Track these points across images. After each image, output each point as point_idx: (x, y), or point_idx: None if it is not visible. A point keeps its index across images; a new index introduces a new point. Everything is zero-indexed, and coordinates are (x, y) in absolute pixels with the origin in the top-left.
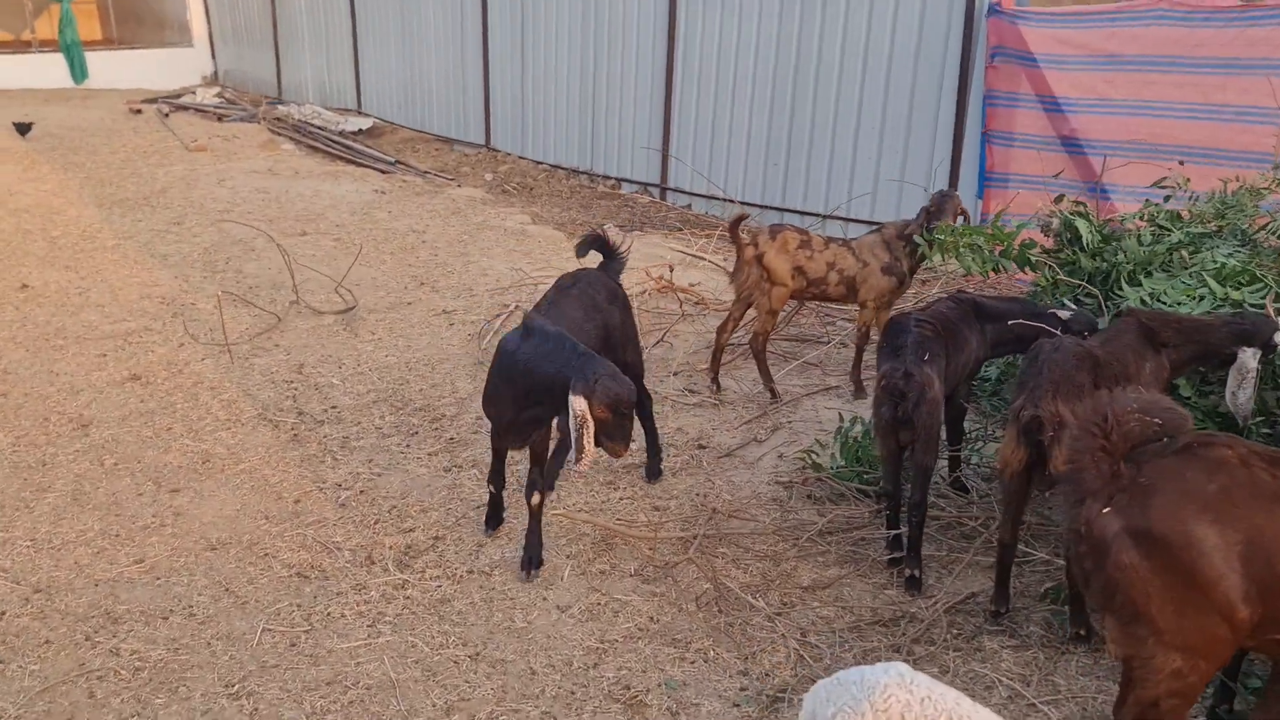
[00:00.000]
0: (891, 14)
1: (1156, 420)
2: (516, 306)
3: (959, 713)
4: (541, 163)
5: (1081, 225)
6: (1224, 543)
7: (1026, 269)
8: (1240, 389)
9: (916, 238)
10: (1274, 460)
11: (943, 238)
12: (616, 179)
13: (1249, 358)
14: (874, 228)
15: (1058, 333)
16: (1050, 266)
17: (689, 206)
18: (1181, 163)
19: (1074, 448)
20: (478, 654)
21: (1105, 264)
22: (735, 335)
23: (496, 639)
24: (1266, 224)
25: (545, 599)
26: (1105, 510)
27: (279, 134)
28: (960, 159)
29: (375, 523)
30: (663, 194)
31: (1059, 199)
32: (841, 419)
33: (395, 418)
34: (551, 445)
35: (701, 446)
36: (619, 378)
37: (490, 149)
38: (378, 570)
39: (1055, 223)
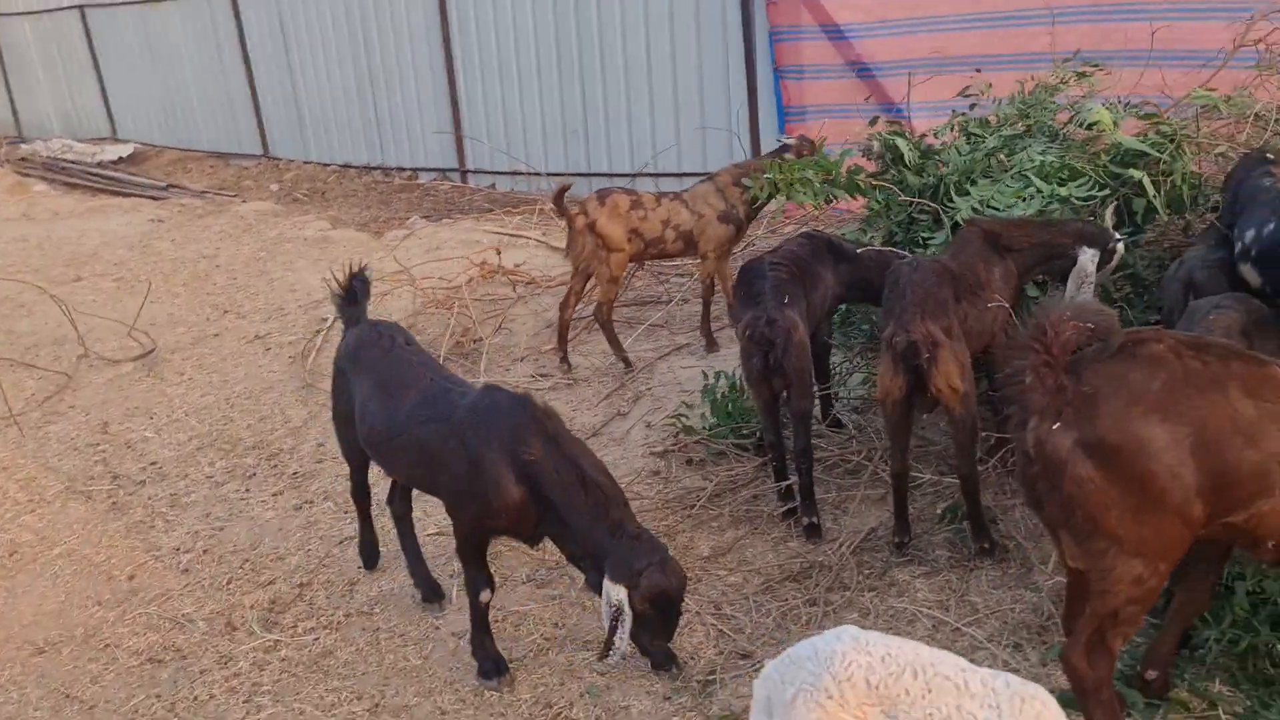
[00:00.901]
0: None
1: (1089, 325)
2: (336, 320)
3: (919, 662)
4: (329, 164)
5: (901, 144)
6: (1174, 440)
7: (856, 195)
8: (1080, 291)
9: (745, 180)
10: (1199, 347)
11: (771, 175)
12: (412, 169)
13: (1088, 260)
14: (704, 176)
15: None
16: (885, 186)
17: (493, 186)
18: (979, 70)
19: (1017, 366)
20: (377, 705)
21: (931, 178)
22: (577, 309)
23: (394, 684)
24: (1070, 119)
25: (437, 629)
26: (1055, 426)
27: (27, 175)
28: (757, 98)
29: (228, 583)
30: (463, 177)
31: (873, 121)
32: (706, 376)
33: (226, 462)
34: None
35: None
36: (670, 567)
37: (270, 158)
38: (242, 636)
39: (876, 145)
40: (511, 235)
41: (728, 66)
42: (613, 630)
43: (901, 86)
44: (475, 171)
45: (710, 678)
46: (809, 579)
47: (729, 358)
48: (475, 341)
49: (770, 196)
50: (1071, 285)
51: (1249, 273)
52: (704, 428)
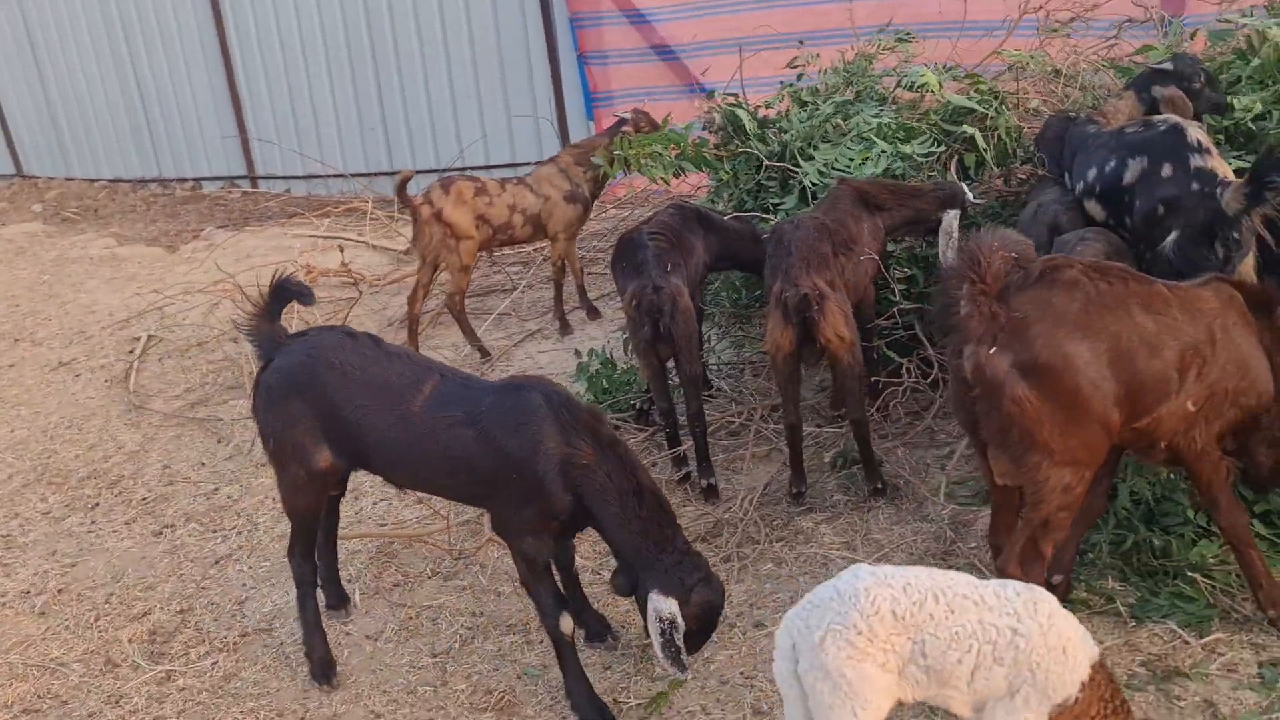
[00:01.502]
0: None
1: (1013, 254)
2: (150, 336)
3: (937, 586)
4: (97, 180)
5: (743, 115)
6: (1094, 356)
7: (703, 168)
8: (948, 248)
9: (595, 158)
10: (1103, 270)
11: (621, 152)
12: (194, 179)
13: (952, 219)
14: (548, 158)
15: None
16: (733, 156)
17: (288, 191)
18: (802, 43)
19: (952, 295)
20: (303, 719)
21: (776, 146)
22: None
23: (314, 696)
24: (898, 84)
25: (348, 633)
26: (992, 351)
27: None
28: (561, 85)
29: (95, 620)
30: (253, 184)
31: (710, 94)
32: (579, 355)
33: (61, 495)
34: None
35: None
36: (716, 582)
37: (24, 177)
38: (126, 671)
39: (717, 118)
40: (328, 238)
41: (529, 55)
42: (668, 644)
43: (704, 67)
44: (266, 177)
45: (646, 642)
46: (719, 538)
47: (584, 339)
48: None
49: (616, 173)
50: (942, 242)
51: (1094, 208)
52: None
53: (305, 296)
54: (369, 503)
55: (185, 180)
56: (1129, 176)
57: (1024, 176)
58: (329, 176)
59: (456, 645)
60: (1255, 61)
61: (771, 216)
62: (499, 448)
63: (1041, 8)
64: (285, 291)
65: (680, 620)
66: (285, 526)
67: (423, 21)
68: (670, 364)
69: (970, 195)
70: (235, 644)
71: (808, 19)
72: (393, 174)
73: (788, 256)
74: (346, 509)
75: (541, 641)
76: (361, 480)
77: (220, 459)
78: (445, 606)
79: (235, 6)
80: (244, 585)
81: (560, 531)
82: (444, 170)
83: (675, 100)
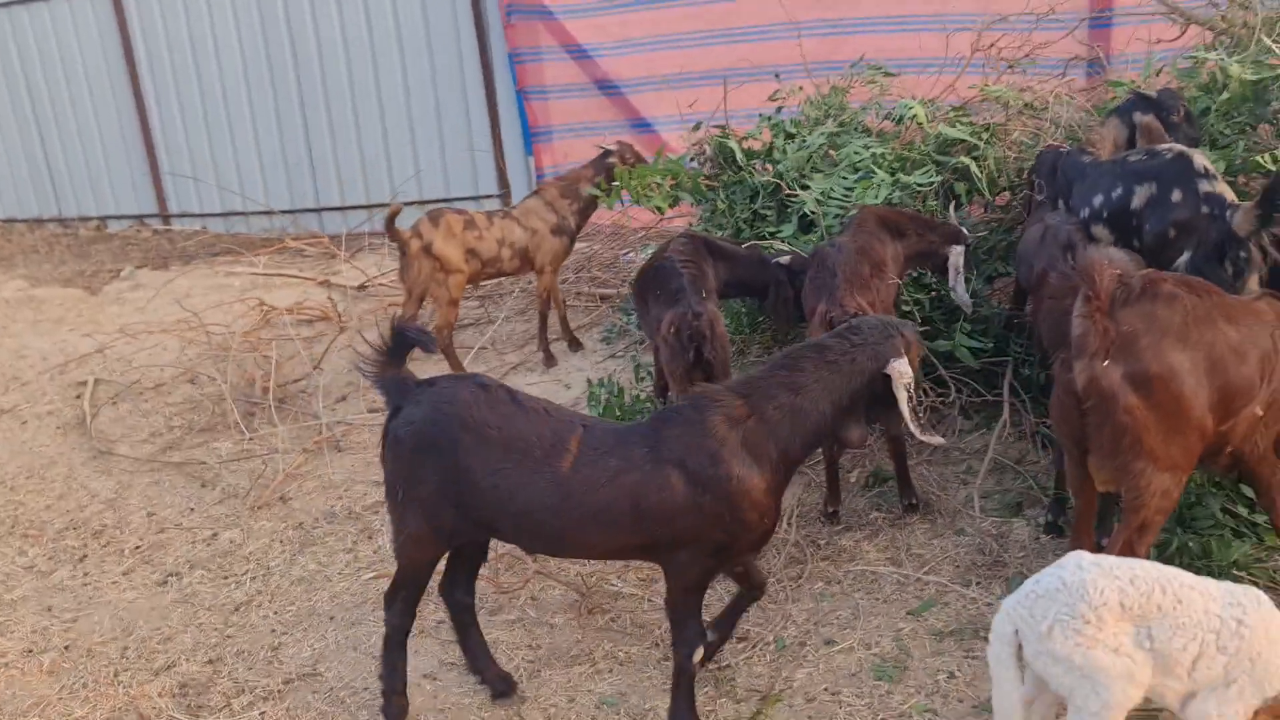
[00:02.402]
0: None
1: (1118, 270)
2: (98, 380)
3: (1162, 578)
4: None
5: (734, 146)
6: (1193, 366)
7: (699, 199)
8: (957, 283)
9: (589, 189)
10: (1192, 287)
11: (619, 184)
12: (99, 218)
13: (958, 255)
14: (532, 191)
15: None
16: (734, 185)
17: (204, 229)
18: (778, 75)
19: (1077, 313)
20: None
21: (770, 177)
22: None
23: None
24: (887, 115)
25: (408, 672)
26: (1105, 364)
27: None
28: (499, 120)
29: (115, 676)
30: (166, 221)
31: (696, 127)
32: (590, 384)
33: (42, 548)
34: None
35: None
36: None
37: None
38: None
39: (708, 149)
40: (268, 275)
41: (465, 89)
42: (910, 400)
43: (647, 102)
44: (181, 215)
45: (722, 665)
46: (763, 560)
47: (569, 369)
48: (292, 383)
49: (613, 203)
50: (951, 278)
51: (1100, 232)
52: None
53: (429, 344)
54: (385, 541)
55: (88, 219)
56: (1136, 202)
57: (1001, 204)
58: (251, 214)
59: (522, 679)
60: (1224, 96)
61: (774, 243)
62: (684, 472)
63: (993, 45)
64: (407, 337)
65: (909, 371)
66: (301, 570)
67: (353, 55)
68: None
69: (968, 233)
70: (280, 691)
71: (755, 54)
72: (319, 210)
73: (832, 278)
74: (366, 548)
75: (612, 671)
76: (372, 520)
77: (210, 503)
78: (499, 641)
79: (148, 38)
80: (273, 631)
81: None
82: (374, 206)
83: (618, 134)
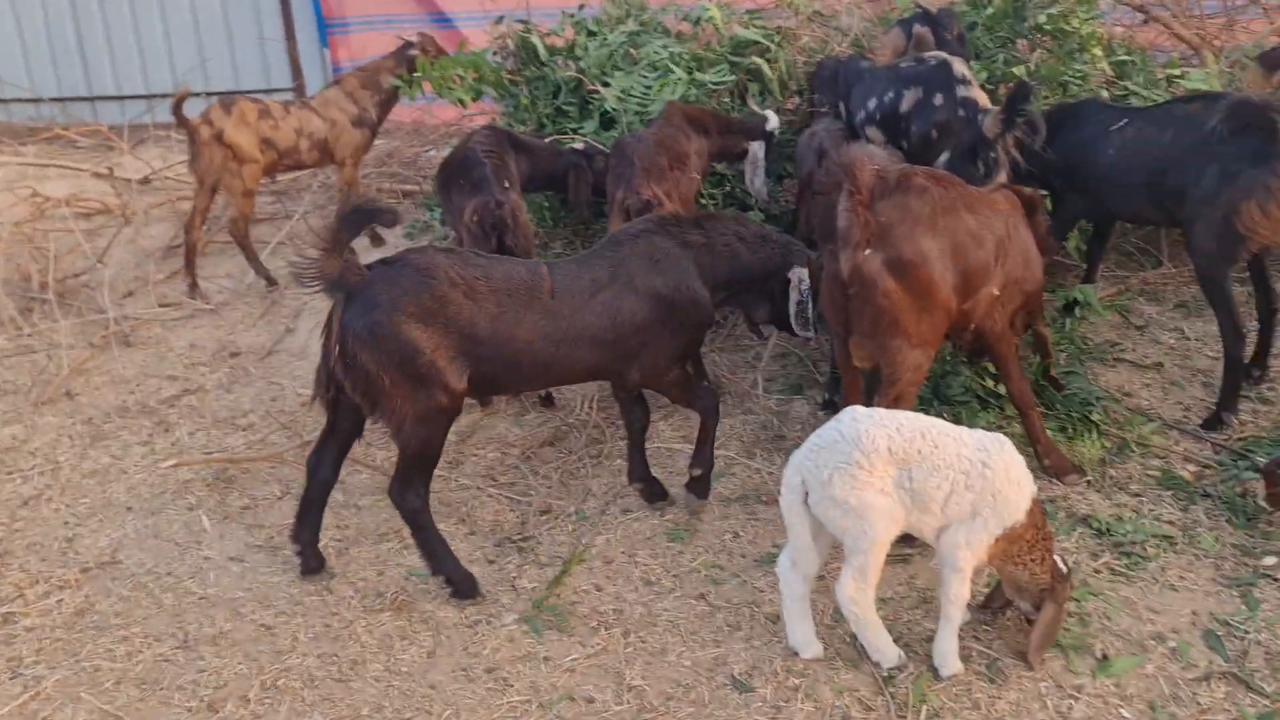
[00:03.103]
0: None
1: (876, 164)
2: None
3: (922, 425)
4: None
5: (536, 42)
6: (941, 252)
7: (502, 93)
8: (755, 176)
9: (390, 81)
10: (939, 179)
11: (421, 75)
12: None
13: (758, 149)
14: (331, 82)
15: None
16: (537, 80)
17: None
18: None
19: (842, 207)
20: (185, 641)
21: (571, 73)
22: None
23: (194, 618)
24: (684, 17)
25: (208, 558)
26: (866, 253)
27: None
28: (290, 10)
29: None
30: None
31: (499, 21)
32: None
33: None
34: None
35: (235, 354)
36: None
37: None
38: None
39: (510, 44)
40: (43, 165)
41: None
42: (802, 306)
43: None
44: None
45: (524, 536)
46: (565, 440)
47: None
48: (73, 278)
49: (415, 95)
50: (748, 172)
51: (874, 133)
52: None
53: (389, 216)
54: (184, 433)
55: None
56: (905, 105)
57: (790, 107)
58: (14, 101)
59: (331, 557)
60: (988, 11)
61: (575, 140)
62: (650, 290)
63: None
64: (361, 217)
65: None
66: (93, 464)
67: None
68: None
69: (775, 124)
70: (77, 581)
71: None
72: (92, 100)
73: (630, 167)
74: (163, 441)
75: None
76: (168, 413)
77: None
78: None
79: None
80: (66, 524)
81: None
82: (155, 96)
83: (417, 29)
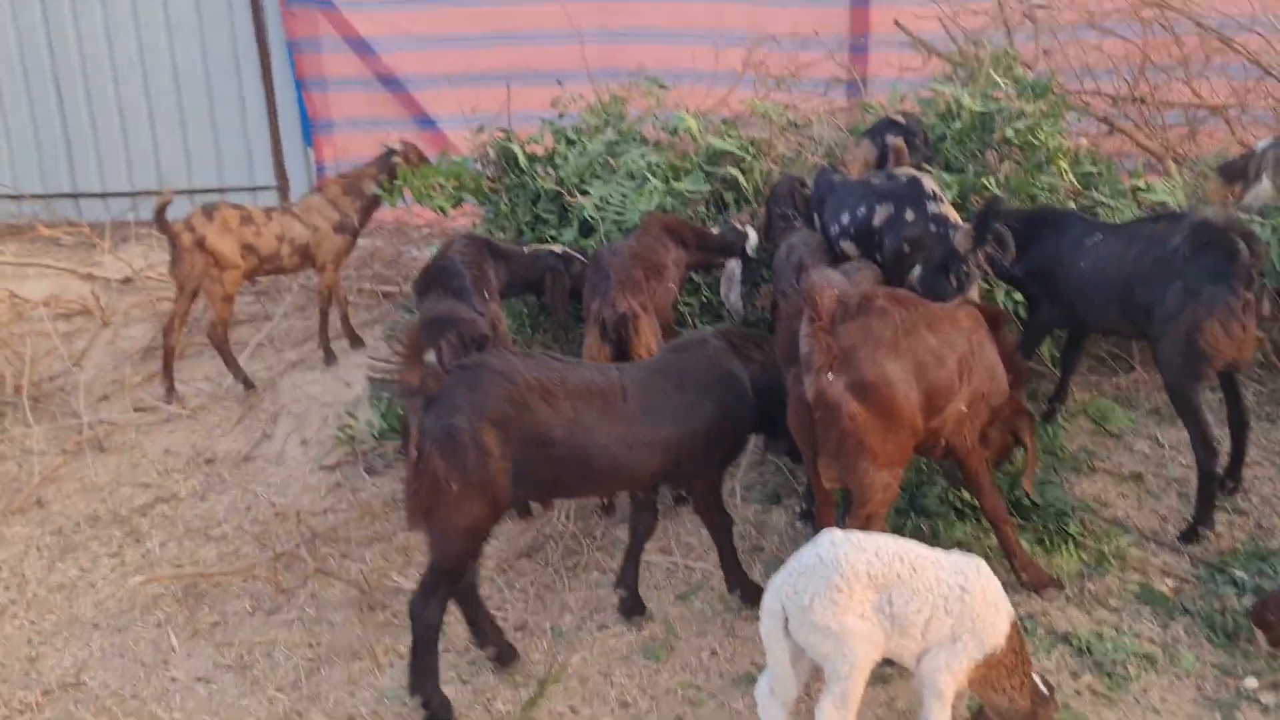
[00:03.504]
0: None
1: (837, 290)
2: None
3: (900, 550)
4: None
5: (517, 151)
6: (903, 371)
7: (482, 200)
8: (730, 291)
9: (372, 188)
10: (900, 300)
11: (401, 182)
12: None
13: (735, 266)
14: (313, 188)
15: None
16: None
17: None
18: (560, 82)
19: (792, 329)
20: None
21: (550, 182)
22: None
23: None
24: (663, 127)
25: (175, 679)
26: (830, 377)
27: None
28: (276, 110)
29: None
30: None
31: (480, 129)
32: (373, 382)
33: None
34: None
35: (210, 461)
36: None
37: None
38: None
39: (492, 153)
40: (22, 265)
41: (240, 77)
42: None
43: (430, 99)
44: None
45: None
46: (541, 552)
47: (350, 368)
48: (48, 381)
49: (396, 202)
50: (724, 286)
51: (849, 247)
52: (373, 435)
53: (469, 325)
54: (156, 544)
55: None
56: (877, 220)
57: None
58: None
59: (302, 678)
60: (956, 124)
61: (553, 247)
62: (715, 398)
63: (762, 63)
64: (441, 324)
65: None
66: (61, 577)
67: (115, 40)
68: None
69: (754, 242)
70: (39, 704)
71: (537, 57)
72: (76, 196)
73: (606, 280)
74: (133, 552)
75: (394, 665)
76: (140, 522)
77: None
78: (278, 641)
79: None
80: (29, 641)
81: None
82: (139, 194)
83: (402, 131)
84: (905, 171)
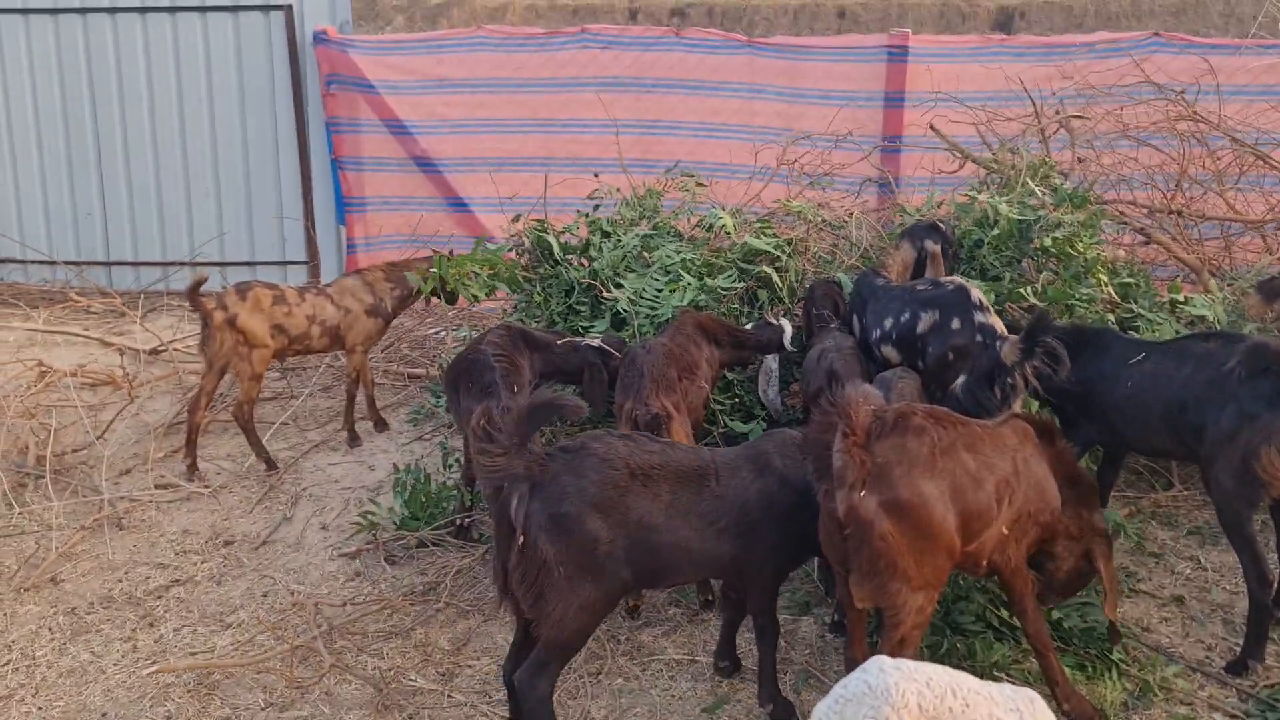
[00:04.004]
0: (201, 50)
1: (873, 405)
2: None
3: (953, 682)
4: None
5: (552, 241)
6: (940, 492)
7: (515, 290)
8: (769, 386)
9: (416, 282)
10: (939, 419)
11: (438, 270)
12: None
13: (772, 362)
14: (353, 271)
15: (598, 363)
16: (550, 279)
17: None
18: (597, 174)
19: (824, 444)
20: None
21: (584, 272)
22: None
23: None
24: (698, 222)
25: None
26: (862, 494)
27: None
28: (311, 188)
29: None
30: None
31: (516, 218)
32: (396, 469)
33: None
34: None
35: (228, 543)
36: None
37: None
38: None
39: (527, 242)
40: (50, 332)
41: (278, 153)
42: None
43: (463, 182)
44: None
45: None
46: None
47: (374, 450)
48: (71, 453)
49: (428, 290)
50: (762, 382)
51: (890, 352)
52: (394, 523)
53: (574, 410)
54: (170, 629)
55: None
56: (922, 327)
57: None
58: (31, 263)
59: None
60: (994, 231)
61: (591, 340)
62: (797, 487)
63: (795, 162)
64: (547, 411)
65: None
66: (72, 661)
67: (158, 108)
68: None
69: (789, 335)
70: None
71: (572, 146)
72: (109, 264)
73: (640, 378)
74: (147, 637)
75: None
76: (155, 605)
77: None
78: None
79: None
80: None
81: None
82: (171, 264)
83: (434, 211)
84: (952, 280)
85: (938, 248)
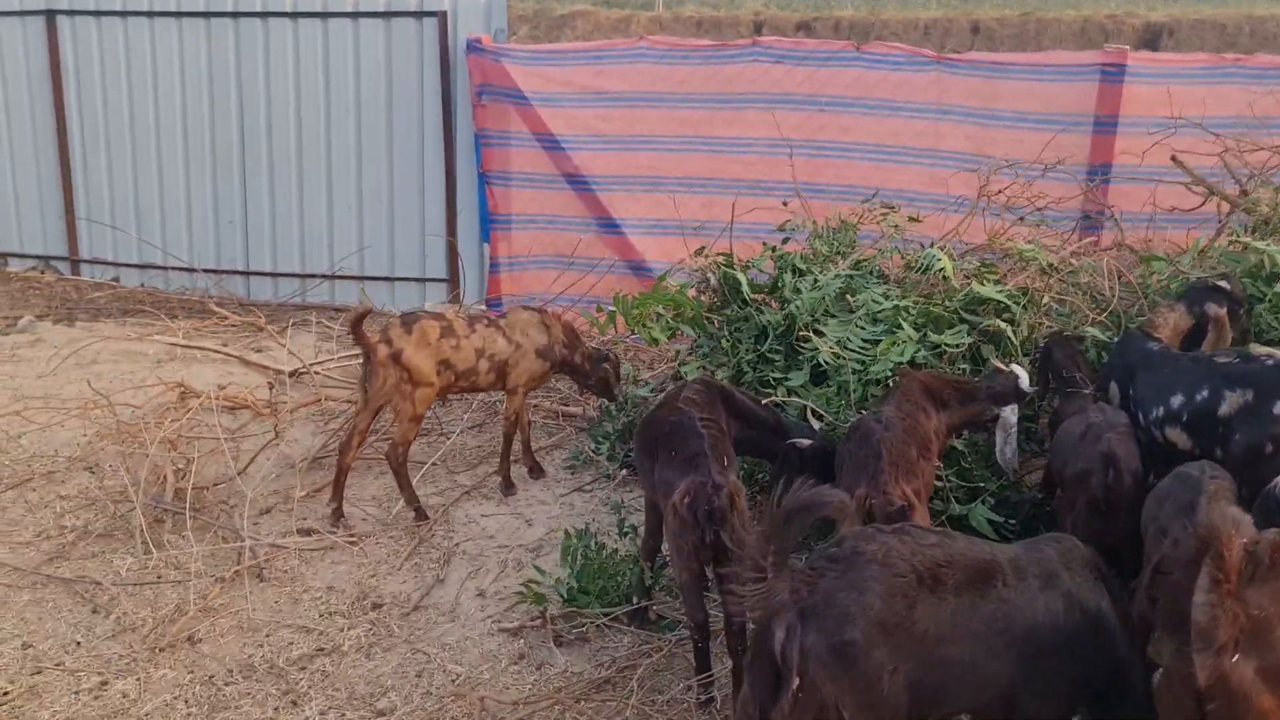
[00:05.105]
0: (351, 57)
1: (1244, 538)
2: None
3: None
4: None
5: (741, 278)
6: None
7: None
8: (1006, 444)
9: (591, 354)
10: None
11: (617, 309)
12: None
13: (1009, 414)
14: (534, 308)
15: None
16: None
17: (117, 280)
18: (786, 203)
19: (1203, 598)
20: None
21: (779, 316)
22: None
23: None
24: (909, 263)
25: None
26: (1235, 660)
27: None
28: (456, 204)
29: None
30: (75, 268)
31: (700, 251)
32: (569, 535)
33: None
34: None
35: (377, 606)
36: None
37: None
38: None
39: (713, 279)
40: (189, 347)
41: (423, 166)
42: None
43: (616, 201)
44: (93, 262)
45: None
46: None
47: (529, 500)
48: (210, 488)
49: (606, 330)
50: (999, 438)
51: (1177, 436)
52: (561, 596)
53: (840, 508)
54: (314, 710)
55: None
56: (1225, 409)
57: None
58: (171, 269)
59: None
60: (1277, 289)
61: (772, 392)
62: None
63: (1001, 192)
64: (809, 513)
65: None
66: None
67: (305, 118)
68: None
69: (1026, 382)
70: None
71: (730, 167)
72: (247, 274)
73: (876, 459)
74: (288, 718)
75: None
76: (299, 679)
77: (100, 637)
78: None
79: (80, 71)
80: None
81: None
82: (309, 276)
83: (582, 232)
84: (1270, 353)
85: (1223, 311)
